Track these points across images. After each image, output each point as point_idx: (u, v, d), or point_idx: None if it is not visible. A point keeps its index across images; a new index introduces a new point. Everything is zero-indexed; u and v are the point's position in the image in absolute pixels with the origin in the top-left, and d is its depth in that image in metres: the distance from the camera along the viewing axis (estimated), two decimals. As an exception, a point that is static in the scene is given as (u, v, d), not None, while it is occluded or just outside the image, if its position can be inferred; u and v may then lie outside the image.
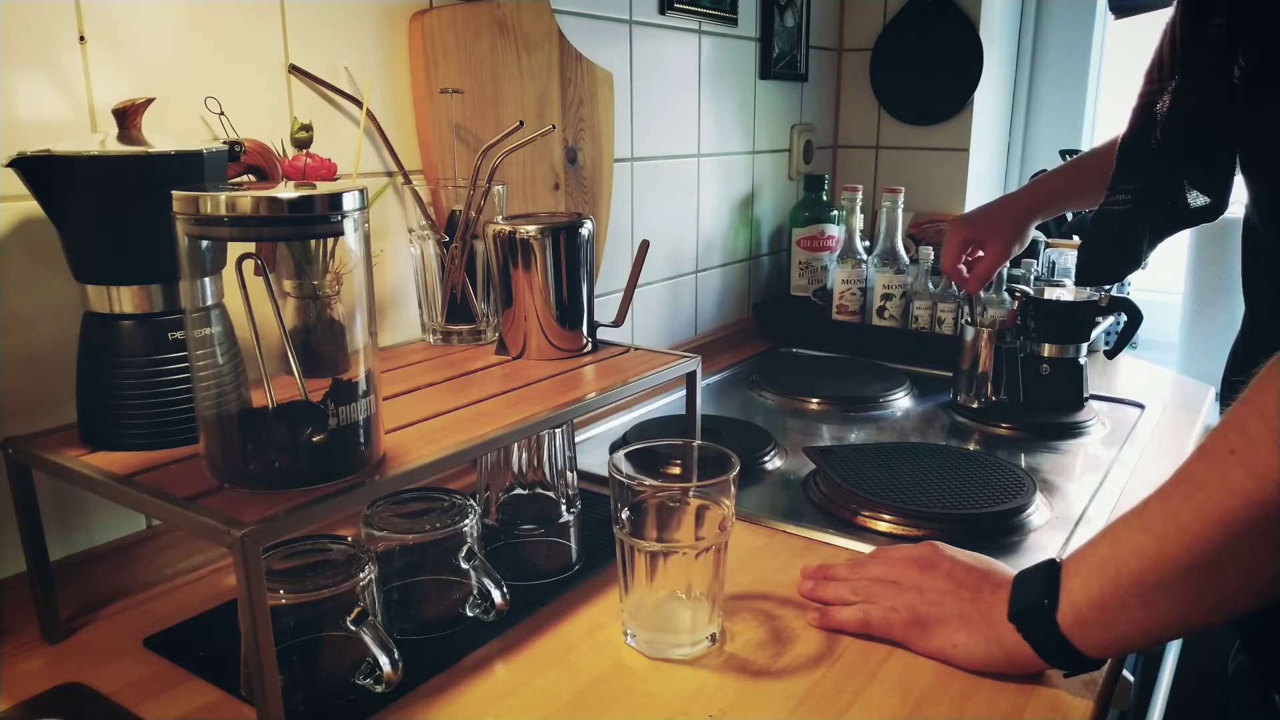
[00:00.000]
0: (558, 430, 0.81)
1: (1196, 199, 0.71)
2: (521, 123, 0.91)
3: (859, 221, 1.52)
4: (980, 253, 1.20)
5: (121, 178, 0.63)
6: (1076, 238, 1.51)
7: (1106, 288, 1.50)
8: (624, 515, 0.68)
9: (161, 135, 0.67)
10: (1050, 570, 0.63)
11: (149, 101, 0.67)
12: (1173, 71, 0.68)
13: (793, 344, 1.59)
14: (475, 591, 0.70)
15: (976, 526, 0.89)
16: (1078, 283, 1.02)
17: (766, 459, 1.07)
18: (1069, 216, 1.57)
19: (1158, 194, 0.72)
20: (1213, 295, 1.54)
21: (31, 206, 0.67)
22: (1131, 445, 1.12)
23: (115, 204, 0.63)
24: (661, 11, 1.29)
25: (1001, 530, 0.89)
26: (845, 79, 1.79)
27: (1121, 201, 0.75)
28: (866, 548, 0.85)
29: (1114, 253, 0.79)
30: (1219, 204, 0.71)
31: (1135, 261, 0.80)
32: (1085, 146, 1.79)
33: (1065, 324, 1.21)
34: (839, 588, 0.74)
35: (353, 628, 0.61)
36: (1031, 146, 1.86)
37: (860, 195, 1.52)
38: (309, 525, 0.56)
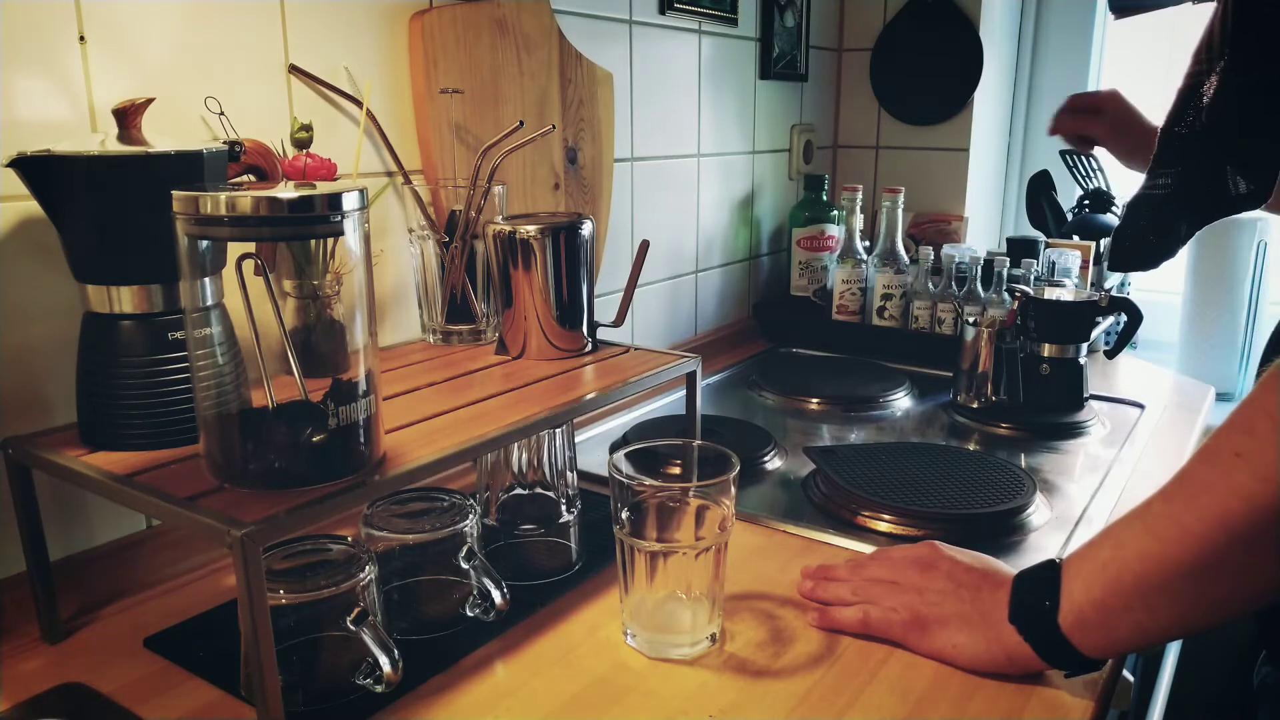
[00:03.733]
0: (558, 430, 0.81)
1: (1239, 186, 0.69)
2: (521, 123, 0.91)
3: (859, 221, 1.52)
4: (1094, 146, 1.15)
5: (121, 178, 0.63)
6: (1077, 237, 1.51)
7: (1107, 287, 1.50)
8: (624, 515, 0.68)
9: (161, 135, 0.67)
10: (1051, 571, 0.63)
11: (149, 101, 0.67)
12: (1221, 52, 0.65)
13: (793, 344, 1.59)
14: (475, 591, 0.70)
15: (976, 526, 0.89)
16: (1111, 268, 0.98)
17: (766, 459, 1.07)
18: (1069, 216, 1.57)
19: (1200, 180, 0.70)
20: (1213, 295, 1.54)
21: (31, 206, 0.67)
22: (1131, 445, 1.12)
23: (115, 204, 0.63)
24: (661, 11, 1.29)
25: (1001, 530, 0.89)
26: (845, 79, 1.79)
27: (1161, 186, 0.72)
28: (866, 548, 0.85)
29: (1150, 239, 0.76)
30: (1262, 192, 0.68)
31: (1172, 249, 0.77)
32: (1085, 146, 1.79)
33: (1065, 324, 1.21)
34: (839, 588, 0.74)
35: (353, 628, 0.61)
36: (1031, 146, 1.86)
37: (860, 195, 1.52)
38: (309, 525, 0.56)
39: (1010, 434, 1.18)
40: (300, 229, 0.57)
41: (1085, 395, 1.22)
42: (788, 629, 0.72)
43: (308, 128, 0.84)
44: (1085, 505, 0.95)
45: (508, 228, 0.84)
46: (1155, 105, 1.78)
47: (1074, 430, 1.17)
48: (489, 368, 0.85)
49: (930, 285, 1.46)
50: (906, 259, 1.48)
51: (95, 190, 0.63)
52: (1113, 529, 0.60)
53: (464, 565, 0.70)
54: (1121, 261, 0.82)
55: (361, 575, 0.63)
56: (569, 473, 0.83)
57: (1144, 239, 0.77)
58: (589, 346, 0.89)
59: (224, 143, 0.72)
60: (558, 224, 0.84)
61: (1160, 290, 1.71)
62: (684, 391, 0.88)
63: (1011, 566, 0.69)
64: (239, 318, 0.57)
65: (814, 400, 1.30)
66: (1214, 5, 0.66)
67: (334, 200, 0.56)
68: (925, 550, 0.73)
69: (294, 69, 0.85)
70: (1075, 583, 0.60)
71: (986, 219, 1.84)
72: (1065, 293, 1.24)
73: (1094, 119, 1.15)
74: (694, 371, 0.87)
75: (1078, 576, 0.61)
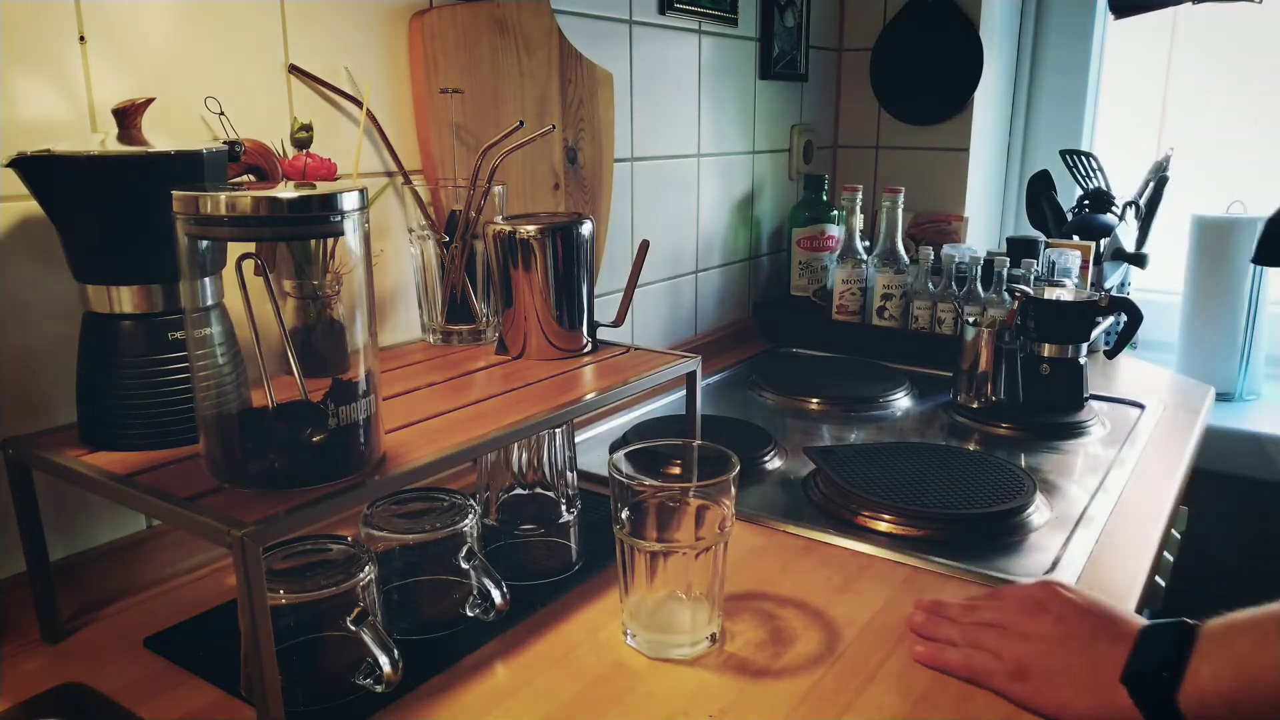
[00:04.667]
0: (558, 430, 0.81)
1: None
2: (521, 123, 0.91)
3: (859, 221, 1.52)
4: None
5: (121, 178, 0.63)
6: (1077, 237, 1.51)
7: (1107, 287, 1.50)
8: (624, 515, 0.68)
9: (161, 135, 0.67)
10: (1181, 636, 0.58)
11: (149, 101, 0.67)
12: None
13: (793, 344, 1.59)
14: (475, 591, 0.70)
15: (976, 526, 0.89)
16: (1255, 260, 0.81)
17: (766, 459, 1.07)
18: (1069, 216, 1.57)
19: None
20: (1213, 295, 1.54)
21: (31, 206, 0.67)
22: (1131, 445, 1.12)
23: (115, 204, 0.63)
24: (661, 11, 1.29)
25: (1001, 530, 0.89)
26: (845, 79, 1.79)
27: None
28: (867, 548, 0.85)
29: None
30: None
31: None
32: (1085, 146, 1.79)
33: (1065, 324, 1.21)
34: (949, 629, 0.69)
35: (353, 628, 0.61)
36: (1031, 146, 1.86)
37: (860, 195, 1.52)
38: (309, 525, 0.56)
39: (1010, 434, 1.18)
40: (300, 229, 0.57)
41: (1085, 395, 1.22)
42: (788, 629, 0.72)
43: (308, 128, 0.84)
44: (1085, 505, 0.95)
45: (508, 228, 0.84)
46: (1154, 106, 1.78)
47: (1074, 430, 1.17)
48: (489, 368, 0.85)
49: (930, 285, 1.46)
50: (906, 259, 1.48)
51: (95, 190, 0.63)
52: (1260, 621, 0.56)
53: (464, 565, 0.70)
54: (1272, 254, 0.72)
55: (361, 575, 0.63)
56: (569, 473, 0.83)
57: None
58: (589, 346, 0.89)
59: (224, 143, 0.72)
60: (558, 224, 0.84)
61: (1160, 290, 1.72)
62: (684, 391, 0.88)
63: (1014, 567, 0.67)
64: (239, 318, 0.57)
65: (814, 400, 1.30)
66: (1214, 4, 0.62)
67: (334, 200, 0.56)
68: (1039, 591, 0.68)
69: (294, 69, 0.85)
70: (1205, 666, 0.56)
71: (986, 219, 1.84)
72: (1065, 293, 1.23)
73: None
74: (694, 371, 0.87)
75: (1209, 660, 0.56)
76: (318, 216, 0.56)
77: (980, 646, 0.66)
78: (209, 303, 0.63)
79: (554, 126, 1.09)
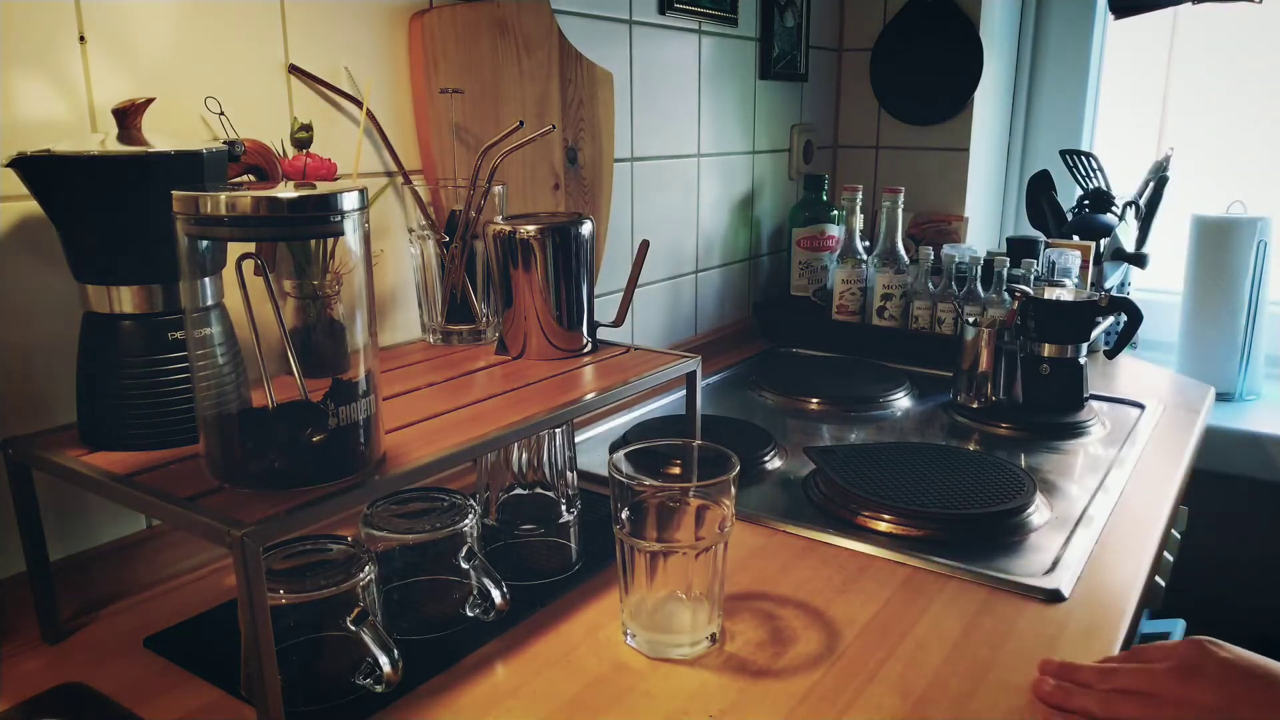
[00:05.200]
0: (558, 430, 0.81)
1: None
2: (521, 123, 0.91)
3: (859, 221, 1.52)
4: None
5: (121, 178, 0.63)
6: (1077, 237, 1.51)
7: (1107, 287, 1.50)
8: (624, 515, 0.68)
9: (161, 135, 0.67)
10: None
11: (149, 101, 0.67)
12: None
13: (793, 344, 1.59)
14: (475, 591, 0.70)
15: (976, 526, 0.89)
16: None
17: (766, 459, 1.07)
18: (1069, 216, 1.57)
19: None
20: (1213, 295, 1.54)
21: (31, 206, 0.67)
22: (1131, 445, 1.12)
23: (115, 204, 0.63)
24: (661, 11, 1.29)
25: (1001, 530, 0.89)
26: (845, 79, 1.79)
27: None
28: (867, 548, 0.85)
29: None
30: None
31: None
32: (1085, 147, 1.79)
33: (1065, 324, 1.21)
34: (1084, 698, 0.61)
35: (353, 628, 0.61)
36: (1031, 146, 1.86)
37: (860, 195, 1.52)
38: (309, 525, 0.56)
39: (1010, 434, 1.18)
40: (300, 229, 0.57)
41: (1085, 395, 1.22)
42: (788, 629, 0.72)
43: (308, 128, 0.84)
44: (1085, 505, 0.95)
45: (508, 228, 0.84)
46: (1154, 106, 1.78)
47: (1074, 430, 1.17)
48: (489, 368, 0.85)
49: (930, 285, 1.46)
50: (906, 259, 1.48)
51: (95, 190, 0.63)
52: None
53: (464, 565, 0.70)
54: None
55: (361, 575, 0.63)
56: (569, 473, 0.83)
57: None
58: (589, 346, 0.89)
59: (224, 143, 0.72)
60: (557, 224, 0.84)
61: (1160, 290, 1.72)
62: (684, 391, 0.88)
63: (1013, 568, 0.67)
64: (239, 318, 0.57)
65: (814, 400, 1.30)
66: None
67: (334, 200, 0.56)
68: (1190, 651, 0.59)
69: (294, 69, 0.85)
70: None
71: (986, 219, 1.84)
72: (1065, 293, 1.23)
73: None
74: (694, 371, 0.87)
75: None
76: (317, 216, 0.56)
77: (1122, 718, 0.59)
78: (209, 303, 0.63)
79: (554, 126, 1.09)
